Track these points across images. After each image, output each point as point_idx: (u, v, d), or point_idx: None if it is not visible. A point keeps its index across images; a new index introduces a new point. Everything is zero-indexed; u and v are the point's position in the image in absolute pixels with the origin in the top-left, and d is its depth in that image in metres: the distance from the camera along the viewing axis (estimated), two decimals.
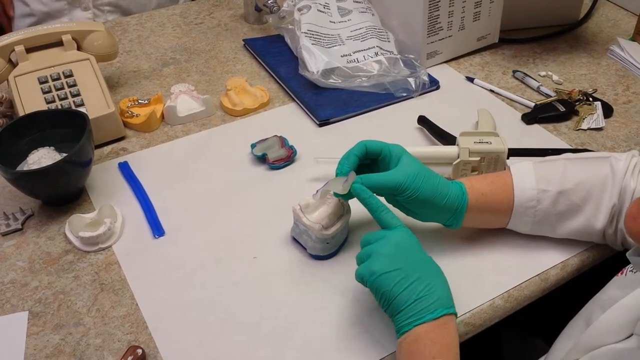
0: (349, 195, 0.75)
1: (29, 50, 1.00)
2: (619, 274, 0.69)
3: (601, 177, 0.75)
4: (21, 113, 0.94)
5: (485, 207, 0.76)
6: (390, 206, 0.74)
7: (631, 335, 0.59)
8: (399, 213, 0.81)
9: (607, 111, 1.05)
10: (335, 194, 0.76)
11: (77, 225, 0.82)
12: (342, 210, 0.78)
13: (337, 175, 0.75)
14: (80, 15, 1.45)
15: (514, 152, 0.90)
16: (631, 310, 0.59)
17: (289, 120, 1.05)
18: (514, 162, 0.81)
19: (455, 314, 0.65)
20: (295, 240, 0.82)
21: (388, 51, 1.14)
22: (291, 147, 0.96)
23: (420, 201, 0.73)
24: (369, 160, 0.78)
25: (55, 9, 1.43)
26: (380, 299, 0.66)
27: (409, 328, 0.63)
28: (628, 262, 0.68)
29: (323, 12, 1.18)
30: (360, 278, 0.68)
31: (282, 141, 0.97)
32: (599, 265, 0.82)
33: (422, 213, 0.76)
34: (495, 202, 0.76)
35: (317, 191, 0.78)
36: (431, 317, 0.63)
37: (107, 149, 1.00)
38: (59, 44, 1.03)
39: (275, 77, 1.16)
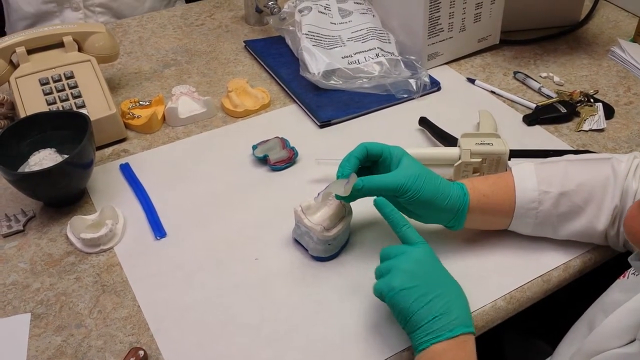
0: (351, 198, 0.75)
1: (30, 51, 1.00)
2: (622, 277, 0.69)
3: (603, 178, 0.75)
4: (22, 115, 0.94)
5: (487, 208, 0.76)
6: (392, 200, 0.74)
7: (634, 340, 0.59)
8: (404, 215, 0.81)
9: (609, 112, 1.05)
10: (337, 197, 0.76)
11: (79, 227, 0.82)
12: (344, 212, 0.78)
13: (338, 177, 0.75)
14: (71, 16, 1.45)
15: (515, 154, 0.90)
16: (634, 314, 0.59)
17: (290, 121, 1.05)
18: (515, 164, 0.81)
19: (474, 333, 0.65)
20: (296, 241, 0.82)
21: (389, 52, 1.14)
22: (292, 149, 0.96)
23: (421, 202, 0.73)
24: (369, 163, 0.78)
25: (45, 10, 1.43)
26: (399, 315, 0.66)
27: (426, 345, 0.63)
28: (630, 265, 0.68)
29: (324, 13, 1.18)
30: (379, 293, 0.67)
31: (283, 142, 0.97)
32: (601, 267, 0.82)
33: (423, 214, 0.76)
34: (497, 204, 0.76)
35: (318, 194, 0.78)
36: (450, 336, 0.62)
37: (108, 150, 1.00)
38: (60, 45, 1.03)
39: (276, 79, 1.16)
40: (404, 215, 0.71)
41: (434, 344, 0.62)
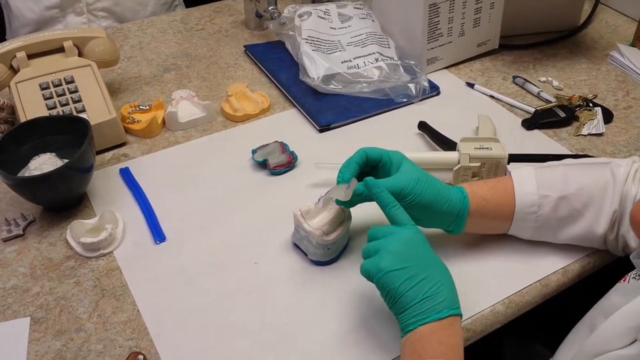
0: (351, 203, 0.75)
1: (30, 56, 1.01)
2: (622, 281, 0.69)
3: (602, 183, 0.75)
4: (23, 119, 0.95)
5: (487, 212, 0.76)
6: None
7: (635, 341, 0.59)
8: None
9: (607, 117, 1.05)
10: (337, 202, 0.76)
11: (79, 231, 0.82)
12: (343, 217, 0.78)
13: (338, 182, 0.75)
14: (75, 21, 1.45)
15: (514, 158, 0.90)
16: (634, 317, 0.59)
17: (289, 126, 1.06)
18: (514, 168, 0.81)
19: (461, 315, 0.65)
20: (296, 246, 0.82)
21: (388, 57, 1.14)
22: (292, 153, 0.96)
23: (422, 206, 0.73)
24: (369, 168, 0.78)
25: (48, 16, 1.43)
26: (386, 296, 0.66)
27: (414, 327, 0.63)
28: (630, 269, 0.68)
29: (323, 18, 1.19)
30: (367, 273, 0.67)
31: (283, 147, 0.97)
32: (601, 271, 0.82)
33: (423, 218, 0.76)
34: (497, 208, 0.77)
35: (319, 199, 0.78)
36: (437, 317, 0.63)
37: (108, 154, 1.00)
38: (61, 50, 1.03)
39: (276, 83, 1.16)
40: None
41: (421, 325, 0.63)
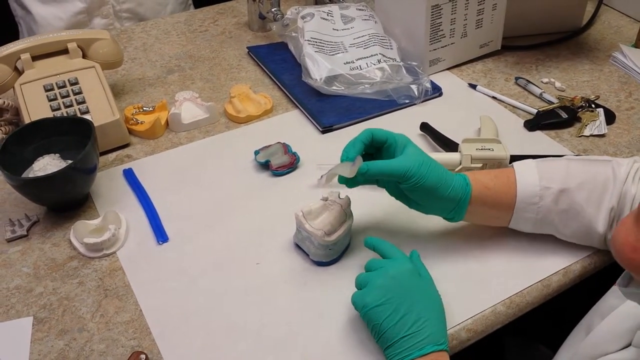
0: (354, 182, 0.75)
1: (34, 58, 1.01)
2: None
3: (603, 179, 0.75)
4: (27, 120, 0.95)
5: (488, 200, 0.76)
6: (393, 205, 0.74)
7: (629, 344, 0.59)
8: (404, 219, 0.81)
9: (610, 118, 1.05)
10: (340, 179, 0.75)
11: (82, 232, 0.83)
12: (345, 217, 0.78)
13: (342, 161, 0.74)
14: (101, 23, 1.48)
15: (516, 159, 0.90)
16: (628, 318, 0.59)
17: (292, 127, 1.06)
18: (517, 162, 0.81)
19: (447, 351, 0.65)
20: (297, 246, 0.82)
21: (391, 58, 1.14)
22: (294, 154, 0.97)
23: (424, 189, 0.73)
24: (373, 150, 0.78)
25: (75, 22, 1.45)
26: (372, 330, 0.67)
27: None
28: None
29: (326, 19, 1.19)
30: (354, 306, 0.69)
31: (285, 148, 0.98)
32: (602, 272, 0.82)
33: (425, 203, 0.76)
34: (498, 196, 0.76)
35: (322, 176, 0.77)
36: (419, 354, 0.63)
37: (111, 155, 1.00)
38: (65, 52, 1.04)
39: (279, 84, 1.16)
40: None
41: None
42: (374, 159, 0.77)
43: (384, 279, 0.67)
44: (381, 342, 0.66)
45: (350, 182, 0.75)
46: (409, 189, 0.73)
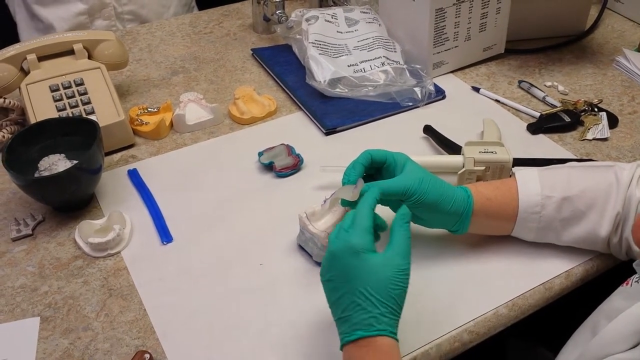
0: (357, 204, 0.76)
1: (40, 58, 1.02)
2: (624, 284, 0.69)
3: (605, 185, 0.76)
4: (32, 121, 0.96)
5: (491, 212, 0.77)
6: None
7: (637, 344, 0.59)
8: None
9: (613, 122, 1.06)
10: (343, 202, 0.76)
11: (87, 231, 0.83)
12: None
13: (343, 184, 0.75)
14: (103, 25, 1.48)
15: (518, 162, 0.91)
16: (637, 321, 0.59)
17: (295, 128, 1.07)
18: (518, 170, 0.82)
19: (390, 337, 0.61)
20: (301, 247, 0.83)
21: (394, 61, 1.15)
22: (298, 156, 0.97)
23: (427, 205, 0.74)
24: (373, 170, 0.79)
25: (77, 23, 1.45)
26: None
27: (340, 348, 0.63)
28: (633, 273, 0.68)
29: (330, 22, 1.20)
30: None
31: (289, 149, 0.98)
32: (604, 275, 0.82)
33: (428, 218, 0.77)
34: (500, 207, 0.77)
35: (325, 200, 0.79)
36: (348, 340, 0.62)
37: (116, 156, 1.01)
38: (71, 52, 1.04)
39: (283, 86, 1.17)
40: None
41: (344, 345, 0.62)
42: (375, 179, 0.78)
43: (327, 253, 0.64)
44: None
45: (353, 204, 0.75)
46: (412, 206, 0.74)
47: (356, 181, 0.74)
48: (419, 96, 1.10)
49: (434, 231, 0.82)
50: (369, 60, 1.14)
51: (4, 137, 1.01)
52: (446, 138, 0.99)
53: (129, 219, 0.87)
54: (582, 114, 1.07)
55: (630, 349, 0.59)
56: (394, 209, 0.79)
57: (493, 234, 0.81)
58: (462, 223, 0.76)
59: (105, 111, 1.00)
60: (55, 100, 0.99)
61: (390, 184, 0.74)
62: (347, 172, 0.76)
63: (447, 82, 1.17)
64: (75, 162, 0.88)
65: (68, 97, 1.00)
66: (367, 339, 0.61)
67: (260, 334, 0.72)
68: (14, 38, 1.52)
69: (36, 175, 0.88)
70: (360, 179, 0.74)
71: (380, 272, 0.62)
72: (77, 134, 0.91)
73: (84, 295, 0.78)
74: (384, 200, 0.77)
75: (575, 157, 0.98)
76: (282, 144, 0.99)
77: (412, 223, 0.78)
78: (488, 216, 0.77)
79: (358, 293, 0.61)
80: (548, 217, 0.76)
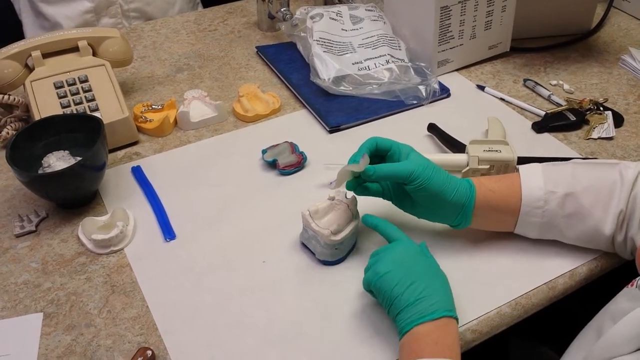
0: (362, 189, 0.78)
1: (45, 55, 1.02)
2: (629, 285, 0.68)
3: (610, 182, 0.75)
4: (37, 117, 0.96)
5: (493, 204, 0.76)
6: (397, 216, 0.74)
7: None
8: (410, 220, 0.81)
9: (618, 121, 1.05)
10: (348, 185, 0.77)
11: (90, 228, 0.84)
12: (351, 217, 0.79)
13: (349, 163, 0.77)
14: (109, 23, 1.49)
15: (523, 161, 0.90)
16: None
17: (299, 126, 1.06)
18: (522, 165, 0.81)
19: (456, 319, 0.66)
20: (304, 245, 0.82)
21: (399, 59, 1.15)
22: (301, 153, 0.97)
23: (429, 192, 0.74)
24: (377, 158, 0.79)
25: (83, 21, 1.46)
26: (383, 299, 0.68)
27: (409, 327, 0.64)
28: (637, 273, 0.68)
29: (335, 20, 1.19)
30: (367, 283, 0.70)
31: (293, 147, 0.98)
32: (608, 274, 0.82)
33: (430, 208, 0.77)
34: (503, 200, 0.77)
35: (331, 182, 0.80)
36: (432, 317, 0.64)
37: (120, 153, 1.01)
38: (75, 49, 1.04)
39: (287, 84, 1.17)
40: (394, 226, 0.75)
41: (416, 325, 0.64)
42: None
43: (392, 253, 0.70)
44: (392, 310, 0.67)
45: (359, 190, 0.77)
46: (414, 191, 0.74)
47: (360, 160, 0.74)
48: (424, 94, 1.10)
49: (436, 229, 0.82)
50: (373, 58, 1.14)
51: (8, 133, 1.01)
52: (450, 136, 0.99)
53: (132, 216, 0.87)
54: (588, 112, 1.06)
55: (634, 351, 0.59)
56: (397, 202, 0.79)
57: (495, 229, 0.81)
58: (464, 215, 0.76)
59: (110, 108, 1.00)
60: (60, 97, 0.99)
61: (395, 166, 0.75)
62: (352, 157, 0.78)
63: (452, 81, 1.17)
64: (79, 158, 0.89)
65: (72, 94, 1.00)
66: (447, 318, 0.65)
67: (262, 331, 0.72)
68: (19, 37, 1.51)
69: (40, 171, 0.89)
70: (366, 154, 0.75)
71: (438, 269, 0.71)
72: (81, 130, 0.91)
73: (87, 292, 0.78)
74: (388, 190, 0.79)
75: (580, 156, 0.98)
76: (286, 142, 0.99)
77: (415, 218, 0.79)
78: (490, 208, 0.77)
79: (435, 278, 0.68)
80: (551, 212, 0.76)
